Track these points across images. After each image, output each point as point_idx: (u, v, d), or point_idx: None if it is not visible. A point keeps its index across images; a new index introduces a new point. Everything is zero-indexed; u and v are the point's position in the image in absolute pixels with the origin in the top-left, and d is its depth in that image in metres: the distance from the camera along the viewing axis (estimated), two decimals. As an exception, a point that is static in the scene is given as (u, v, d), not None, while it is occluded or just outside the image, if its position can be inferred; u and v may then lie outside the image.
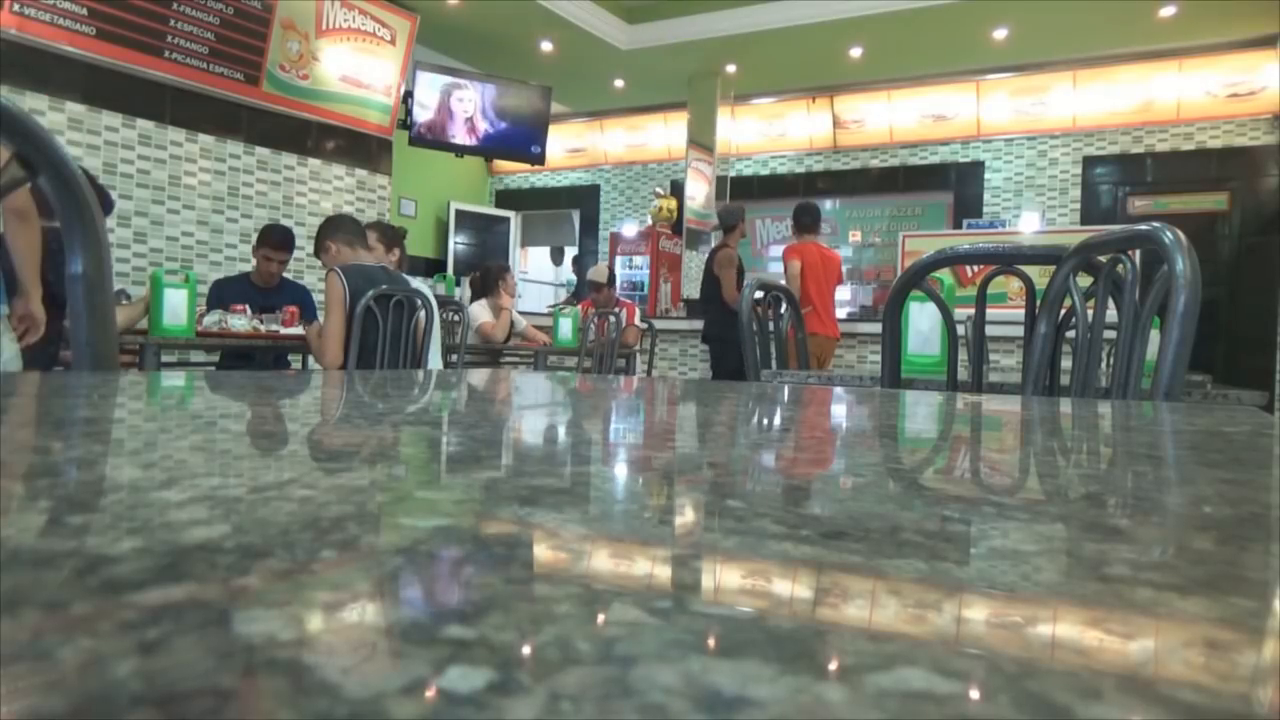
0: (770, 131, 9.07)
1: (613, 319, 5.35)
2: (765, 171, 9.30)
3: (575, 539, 0.24)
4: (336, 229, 3.39)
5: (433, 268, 8.57)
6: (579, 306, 5.82)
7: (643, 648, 0.15)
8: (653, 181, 9.43)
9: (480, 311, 5.25)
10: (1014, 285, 2.35)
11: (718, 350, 5.71)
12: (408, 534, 0.24)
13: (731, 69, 8.16)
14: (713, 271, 5.76)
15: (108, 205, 3.79)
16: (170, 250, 5.82)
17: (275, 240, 4.23)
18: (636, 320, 5.87)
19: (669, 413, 0.82)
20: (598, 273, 5.97)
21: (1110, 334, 1.62)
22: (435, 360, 3.69)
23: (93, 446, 0.40)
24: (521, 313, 6.07)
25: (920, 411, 0.87)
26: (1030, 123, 8.00)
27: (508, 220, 9.98)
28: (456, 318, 4.65)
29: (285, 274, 4.44)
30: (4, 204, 2.28)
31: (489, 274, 5.49)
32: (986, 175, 8.29)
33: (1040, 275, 1.72)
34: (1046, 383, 1.56)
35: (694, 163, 8.33)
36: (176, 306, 3.47)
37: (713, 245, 6.55)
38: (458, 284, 7.66)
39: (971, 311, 1.88)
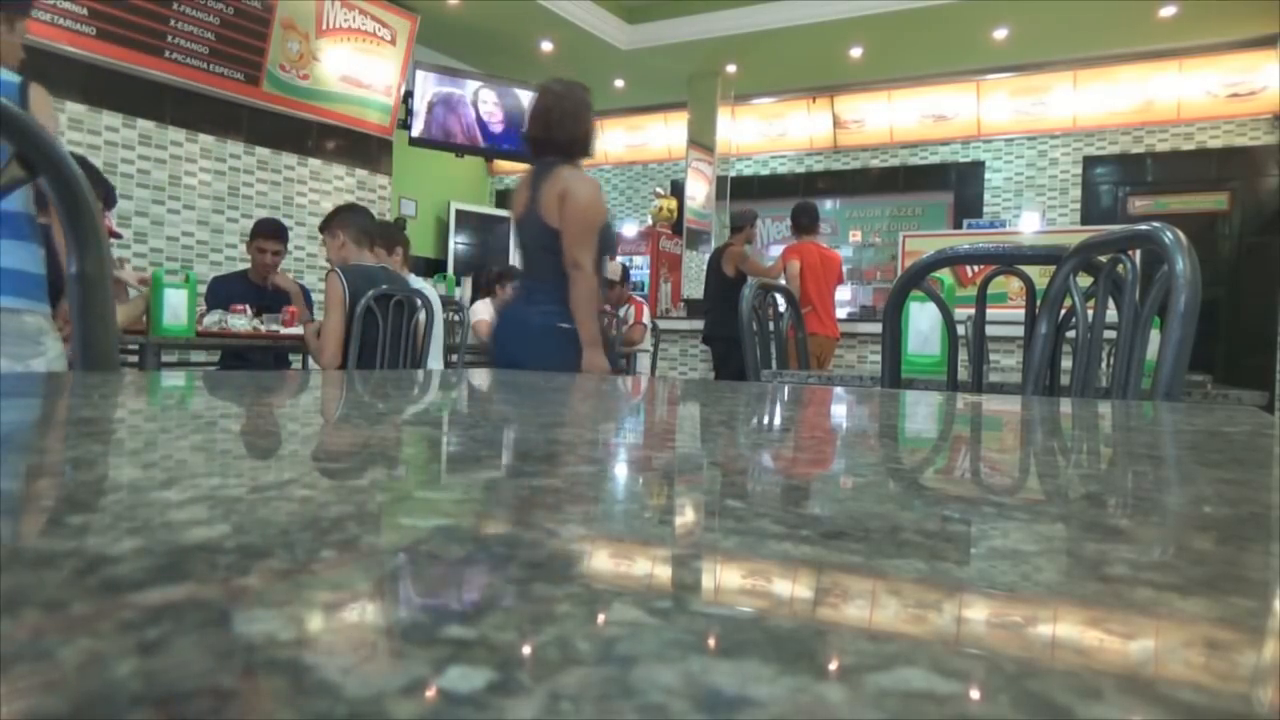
0: (770, 131, 9.08)
1: (620, 315, 5.37)
2: (765, 171, 9.30)
3: (575, 539, 0.24)
4: (351, 221, 3.32)
5: (433, 267, 8.56)
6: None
7: (643, 648, 0.15)
8: (653, 181, 9.43)
9: (480, 309, 5.29)
10: (1014, 285, 2.35)
11: (721, 350, 5.71)
12: (408, 534, 0.24)
13: (731, 69, 8.16)
14: (721, 270, 5.76)
15: (110, 199, 3.77)
16: (170, 250, 5.82)
17: (267, 230, 4.22)
18: (645, 319, 5.86)
19: (669, 413, 0.82)
20: (612, 270, 5.96)
21: (1110, 334, 1.62)
22: (436, 361, 3.69)
23: (92, 446, 0.40)
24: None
25: (920, 412, 0.87)
26: (1030, 123, 8.00)
27: (508, 220, 9.96)
28: (457, 318, 4.66)
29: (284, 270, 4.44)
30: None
31: (489, 278, 5.54)
32: (987, 175, 8.29)
33: (1040, 275, 1.72)
34: (1046, 383, 1.56)
35: (694, 163, 8.32)
36: (176, 306, 3.47)
37: (713, 246, 6.56)
38: (458, 284, 7.66)
39: (971, 311, 1.88)
